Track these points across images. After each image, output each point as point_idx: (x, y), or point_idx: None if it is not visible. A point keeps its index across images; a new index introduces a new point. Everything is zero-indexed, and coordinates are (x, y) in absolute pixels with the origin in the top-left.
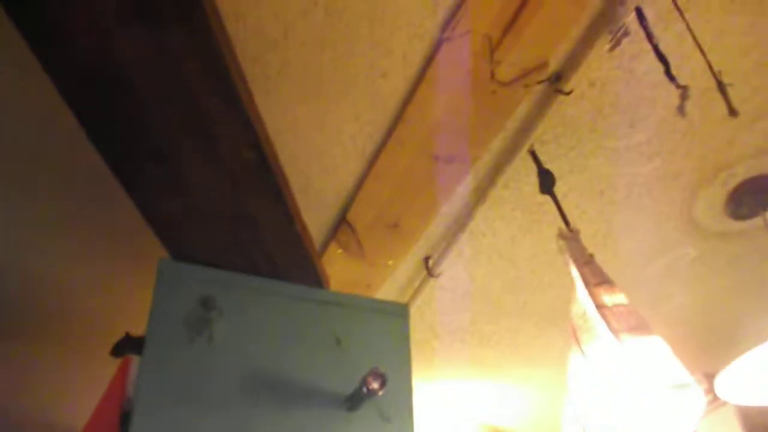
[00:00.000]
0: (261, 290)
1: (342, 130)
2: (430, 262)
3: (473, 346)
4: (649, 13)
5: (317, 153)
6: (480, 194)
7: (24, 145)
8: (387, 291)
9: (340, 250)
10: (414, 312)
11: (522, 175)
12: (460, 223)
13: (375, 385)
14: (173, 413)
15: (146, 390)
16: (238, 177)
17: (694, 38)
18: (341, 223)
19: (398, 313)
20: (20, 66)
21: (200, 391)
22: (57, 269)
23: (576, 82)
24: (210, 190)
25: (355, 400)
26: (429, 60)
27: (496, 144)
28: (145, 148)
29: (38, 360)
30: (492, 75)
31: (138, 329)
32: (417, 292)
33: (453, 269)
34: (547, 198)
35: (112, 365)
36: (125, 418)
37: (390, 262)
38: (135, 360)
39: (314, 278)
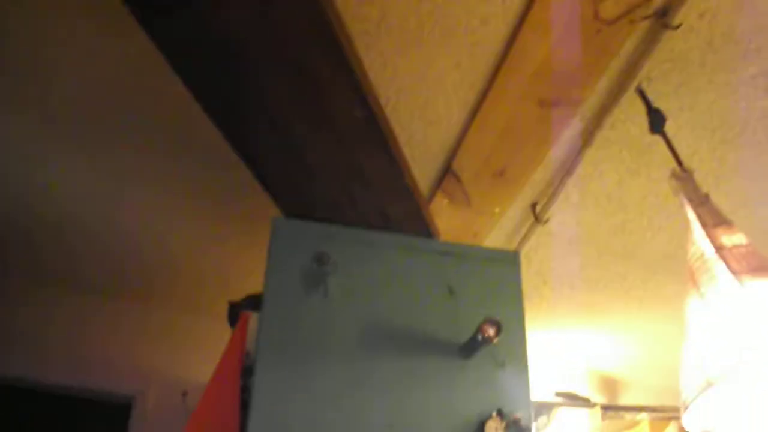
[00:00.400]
0: (374, 244)
1: (443, 81)
2: (537, 208)
3: (582, 291)
4: None
5: (420, 105)
6: (587, 137)
7: (137, 106)
8: (494, 239)
9: (446, 201)
10: (522, 259)
11: (630, 115)
12: (567, 168)
13: (490, 333)
14: (294, 366)
15: (267, 344)
16: (348, 136)
17: None
18: (446, 173)
19: (509, 261)
20: (125, 37)
21: (319, 344)
22: (167, 229)
23: (684, 14)
24: (322, 151)
25: (470, 348)
26: (530, 3)
27: (603, 84)
28: (259, 116)
29: (150, 319)
30: (596, 14)
31: (247, 287)
32: (524, 239)
33: (560, 215)
34: (656, 138)
35: (221, 323)
36: (246, 372)
37: (496, 210)
38: (253, 316)
39: (425, 229)
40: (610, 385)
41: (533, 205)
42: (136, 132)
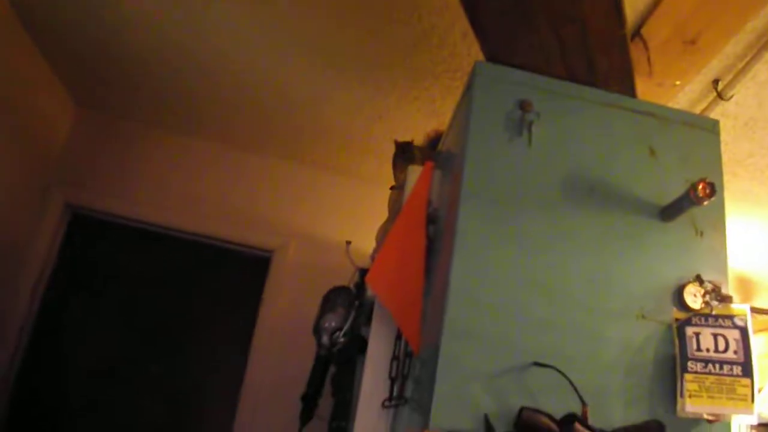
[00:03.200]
0: (577, 96)
1: None
2: (720, 84)
3: (744, 180)
4: None
5: None
6: None
7: None
8: None
9: None
10: None
11: None
12: (764, 41)
13: (706, 192)
14: (496, 212)
15: (469, 188)
16: None
17: None
18: (634, 38)
19: (710, 128)
20: None
21: (521, 191)
22: (319, 90)
23: None
24: None
25: (673, 210)
26: None
27: None
28: None
29: (295, 176)
30: None
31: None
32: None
33: (744, 94)
34: None
35: (365, 184)
36: (431, 221)
37: (677, 83)
38: (436, 169)
39: (629, 87)
40: (745, 286)
41: (715, 81)
42: None
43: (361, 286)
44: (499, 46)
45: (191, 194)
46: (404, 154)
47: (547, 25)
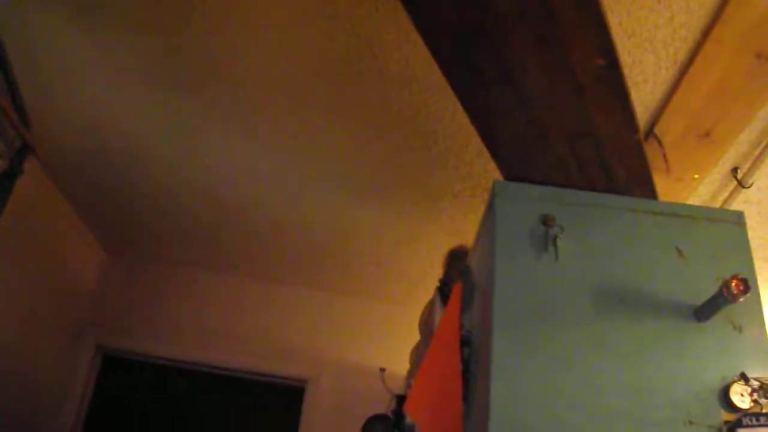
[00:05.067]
0: (599, 205)
1: (654, 37)
2: (739, 173)
3: None
4: None
5: (627, 64)
6: None
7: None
8: None
9: None
10: None
11: None
12: None
13: (739, 289)
14: (530, 329)
15: (501, 308)
16: (585, 88)
17: None
18: (648, 136)
19: (735, 221)
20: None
21: (552, 305)
22: (344, 215)
23: None
24: (556, 105)
25: (706, 309)
26: None
27: None
28: (493, 66)
29: (324, 304)
30: None
31: (420, 269)
32: (723, 206)
33: (764, 179)
34: None
35: (396, 306)
36: (465, 343)
37: (696, 176)
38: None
39: (650, 190)
40: None
41: (734, 170)
42: (316, 121)
43: (398, 413)
44: (517, 166)
45: (221, 329)
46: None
47: (562, 142)
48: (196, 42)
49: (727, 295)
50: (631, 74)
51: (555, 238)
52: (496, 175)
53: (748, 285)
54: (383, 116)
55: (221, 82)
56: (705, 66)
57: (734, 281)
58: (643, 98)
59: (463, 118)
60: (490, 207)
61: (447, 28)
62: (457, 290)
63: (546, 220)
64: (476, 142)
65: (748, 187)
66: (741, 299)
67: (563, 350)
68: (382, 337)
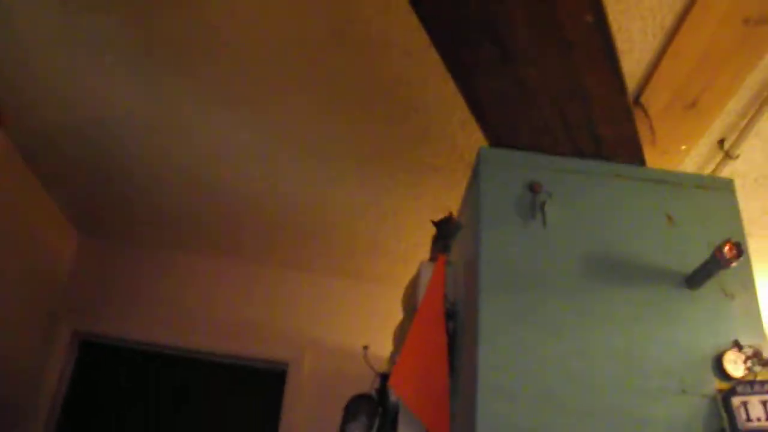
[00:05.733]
0: (587, 172)
1: (641, 3)
2: (726, 144)
3: (761, 239)
4: None
5: (613, 31)
6: None
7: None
8: None
9: None
10: None
11: None
12: (765, 96)
13: (732, 254)
14: (518, 298)
15: (488, 276)
16: (574, 45)
17: None
18: (634, 107)
19: (725, 188)
20: None
21: (540, 273)
22: (322, 195)
23: None
24: (544, 65)
25: (698, 276)
26: None
27: None
28: (480, 25)
29: (303, 285)
30: None
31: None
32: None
33: (750, 151)
34: None
35: (375, 285)
36: (450, 317)
37: (683, 147)
38: (449, 262)
39: (637, 156)
40: None
41: (720, 141)
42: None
43: (383, 392)
44: (502, 130)
45: (199, 313)
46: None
47: (549, 104)
48: (174, 14)
49: (721, 260)
50: (618, 42)
51: (543, 204)
52: (479, 149)
53: (741, 249)
54: (363, 85)
55: (199, 54)
56: (692, 32)
57: (727, 245)
58: (629, 67)
59: (446, 88)
60: (475, 174)
61: None
62: (440, 263)
63: (533, 187)
64: (460, 113)
65: (735, 159)
66: (734, 264)
67: (552, 319)
68: (364, 317)
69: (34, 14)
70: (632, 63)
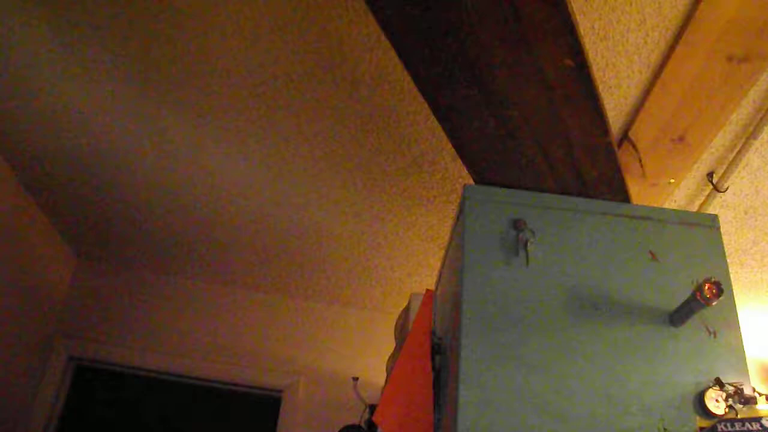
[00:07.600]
0: (570, 209)
1: (626, 40)
2: (715, 177)
3: (753, 270)
4: None
5: (600, 67)
6: None
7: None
8: None
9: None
10: None
11: None
12: (750, 131)
13: (712, 292)
14: (499, 335)
15: (470, 314)
16: (555, 88)
17: None
18: (622, 141)
19: (709, 224)
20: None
21: (523, 311)
22: (319, 223)
23: None
24: (525, 105)
25: (680, 314)
26: None
27: None
28: (460, 64)
29: (299, 312)
30: None
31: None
32: (701, 210)
33: (739, 183)
34: None
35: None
36: (436, 351)
37: (672, 181)
38: (437, 294)
39: (622, 193)
40: None
41: (709, 174)
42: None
43: (371, 423)
44: (487, 169)
45: (194, 338)
46: None
47: (532, 143)
48: (167, 42)
49: (701, 299)
50: (605, 78)
51: (526, 242)
52: (471, 180)
53: (721, 288)
54: (356, 119)
55: (192, 83)
56: (677, 69)
57: (707, 284)
58: (616, 102)
59: (437, 122)
60: (461, 211)
61: (411, 25)
62: (428, 297)
63: (517, 225)
64: (451, 147)
65: (723, 192)
66: (714, 303)
67: (534, 356)
68: (358, 345)
69: (32, 45)
70: (620, 98)
